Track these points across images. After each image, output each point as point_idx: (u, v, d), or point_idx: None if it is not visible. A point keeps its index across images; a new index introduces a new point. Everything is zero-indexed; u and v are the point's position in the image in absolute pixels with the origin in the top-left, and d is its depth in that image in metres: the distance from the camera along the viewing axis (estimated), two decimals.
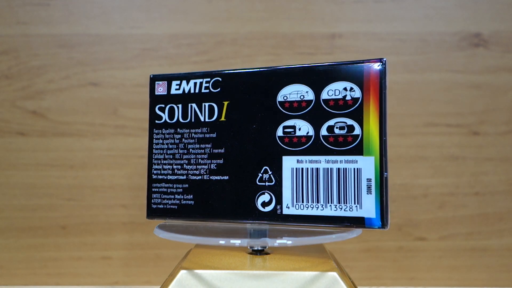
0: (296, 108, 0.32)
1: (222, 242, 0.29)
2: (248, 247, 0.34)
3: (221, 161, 0.33)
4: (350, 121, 0.30)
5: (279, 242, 0.29)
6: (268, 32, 0.50)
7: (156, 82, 0.36)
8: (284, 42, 0.50)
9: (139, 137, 0.50)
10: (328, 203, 0.31)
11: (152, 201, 0.35)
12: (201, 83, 0.35)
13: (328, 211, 0.31)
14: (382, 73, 0.30)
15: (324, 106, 0.31)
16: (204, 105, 0.34)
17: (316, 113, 0.31)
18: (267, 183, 0.32)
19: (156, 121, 0.36)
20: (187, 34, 0.50)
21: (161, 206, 0.35)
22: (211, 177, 0.34)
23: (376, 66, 0.30)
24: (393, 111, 0.50)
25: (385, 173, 0.29)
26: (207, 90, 0.34)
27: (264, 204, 0.32)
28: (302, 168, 0.31)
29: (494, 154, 0.50)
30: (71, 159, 0.50)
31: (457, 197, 0.51)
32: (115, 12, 0.50)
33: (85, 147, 0.50)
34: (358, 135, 0.30)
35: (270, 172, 0.32)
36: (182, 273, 0.30)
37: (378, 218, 0.29)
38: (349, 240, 0.37)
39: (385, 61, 0.30)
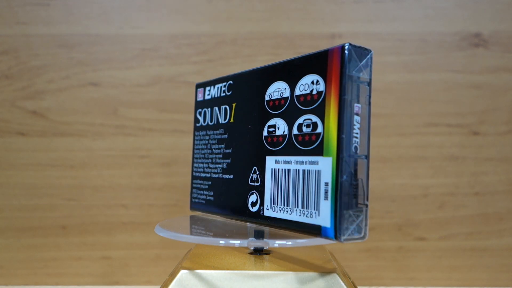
0: (277, 106, 0.31)
1: (222, 242, 0.29)
2: (248, 247, 0.34)
3: (229, 161, 0.34)
4: (314, 118, 0.28)
5: (279, 243, 0.29)
6: (268, 32, 0.50)
7: (198, 89, 0.39)
8: (284, 42, 0.50)
9: (139, 137, 0.50)
10: (295, 207, 0.29)
11: (192, 195, 0.39)
12: (220, 87, 0.36)
13: (294, 216, 0.29)
14: (345, 60, 0.26)
15: (296, 103, 0.29)
16: (221, 108, 0.36)
17: (290, 110, 0.29)
18: (255, 183, 0.32)
19: (196, 124, 0.39)
20: (187, 34, 0.50)
21: (197, 200, 0.38)
22: (223, 176, 0.35)
23: (337, 52, 0.27)
24: (393, 111, 0.50)
25: (343, 177, 0.26)
26: (224, 94, 0.36)
27: (253, 204, 0.32)
28: (278, 169, 0.30)
29: (494, 154, 0.50)
30: (71, 159, 0.50)
31: (457, 197, 0.51)
32: (115, 12, 0.50)
33: (85, 147, 0.50)
34: (320, 133, 0.27)
35: (257, 173, 0.32)
36: (182, 273, 0.30)
37: (332, 228, 0.26)
38: None
39: (349, 46, 0.26)
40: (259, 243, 0.30)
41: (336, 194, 0.26)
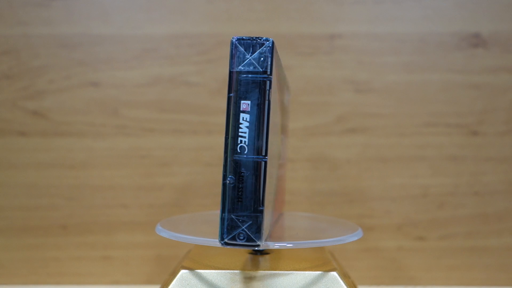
0: None
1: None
2: None
3: None
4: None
5: (279, 244, 0.29)
6: (268, 32, 0.50)
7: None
8: (284, 42, 0.50)
9: (140, 137, 0.50)
10: None
11: None
12: None
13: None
14: (230, 56, 0.25)
15: None
16: None
17: None
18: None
19: None
20: (187, 34, 0.50)
21: None
22: None
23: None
24: (393, 111, 0.51)
25: (225, 179, 0.25)
26: None
27: None
28: None
29: (494, 154, 0.50)
30: (71, 159, 0.50)
31: (456, 197, 0.51)
32: (115, 12, 0.50)
33: (85, 147, 0.50)
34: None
35: None
36: (183, 272, 0.30)
37: (219, 233, 0.25)
38: None
39: (233, 40, 0.25)
40: None
41: (222, 197, 0.25)
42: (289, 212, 0.47)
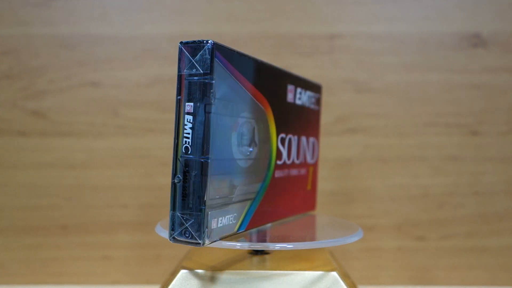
0: None
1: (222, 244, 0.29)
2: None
3: None
4: None
5: (280, 245, 0.29)
6: (268, 32, 0.50)
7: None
8: (284, 42, 0.50)
9: (140, 137, 0.50)
10: None
11: None
12: None
13: None
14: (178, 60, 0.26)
15: None
16: None
17: None
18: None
19: None
20: (187, 34, 0.50)
21: None
22: None
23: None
24: (393, 111, 0.51)
25: (173, 179, 0.26)
26: None
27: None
28: None
29: (494, 154, 0.50)
30: (71, 159, 0.50)
31: (456, 197, 0.51)
32: (115, 12, 0.50)
33: (85, 147, 0.50)
34: None
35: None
36: (183, 272, 0.30)
37: (169, 229, 0.26)
38: None
39: (179, 45, 0.26)
40: (260, 246, 0.30)
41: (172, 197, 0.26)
42: None
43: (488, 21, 0.50)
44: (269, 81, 0.32)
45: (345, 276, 0.31)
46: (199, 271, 0.30)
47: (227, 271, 0.30)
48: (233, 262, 0.32)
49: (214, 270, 0.30)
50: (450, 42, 0.50)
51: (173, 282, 0.30)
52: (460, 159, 0.51)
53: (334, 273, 0.30)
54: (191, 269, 0.30)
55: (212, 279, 0.30)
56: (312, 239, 0.31)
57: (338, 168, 0.50)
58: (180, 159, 0.26)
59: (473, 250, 0.51)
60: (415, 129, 0.51)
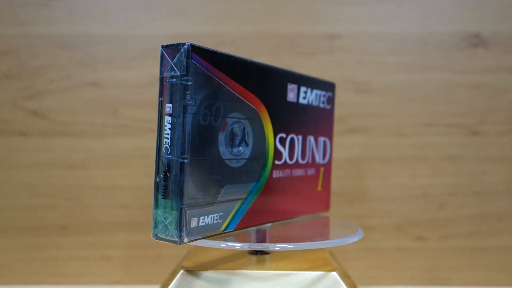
0: None
1: (222, 245, 0.29)
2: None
3: None
4: None
5: (280, 246, 0.29)
6: (268, 32, 0.50)
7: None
8: (284, 42, 0.50)
9: (140, 137, 0.50)
10: None
11: None
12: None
13: None
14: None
15: None
16: None
17: None
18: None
19: None
20: (187, 34, 0.50)
21: None
22: None
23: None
24: (393, 111, 0.51)
25: (155, 178, 0.27)
26: None
27: None
28: None
29: (494, 154, 0.50)
30: (71, 159, 0.50)
31: (456, 197, 0.51)
32: (115, 12, 0.50)
33: (85, 147, 0.50)
34: None
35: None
36: (183, 272, 0.30)
37: (152, 227, 0.28)
38: None
39: (161, 49, 0.27)
40: (260, 247, 0.30)
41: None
42: None
43: (488, 21, 0.50)
44: (262, 81, 0.32)
45: (345, 276, 0.31)
46: (199, 271, 0.30)
47: (227, 271, 0.30)
48: (233, 262, 0.32)
49: (214, 270, 0.30)
50: (450, 42, 0.50)
51: (173, 282, 0.30)
52: (460, 159, 0.51)
53: (334, 273, 0.30)
54: (191, 269, 0.30)
55: (212, 279, 0.30)
56: (312, 239, 0.30)
57: (338, 168, 0.50)
58: (162, 159, 0.27)
59: (473, 250, 0.51)
60: (415, 129, 0.51)
